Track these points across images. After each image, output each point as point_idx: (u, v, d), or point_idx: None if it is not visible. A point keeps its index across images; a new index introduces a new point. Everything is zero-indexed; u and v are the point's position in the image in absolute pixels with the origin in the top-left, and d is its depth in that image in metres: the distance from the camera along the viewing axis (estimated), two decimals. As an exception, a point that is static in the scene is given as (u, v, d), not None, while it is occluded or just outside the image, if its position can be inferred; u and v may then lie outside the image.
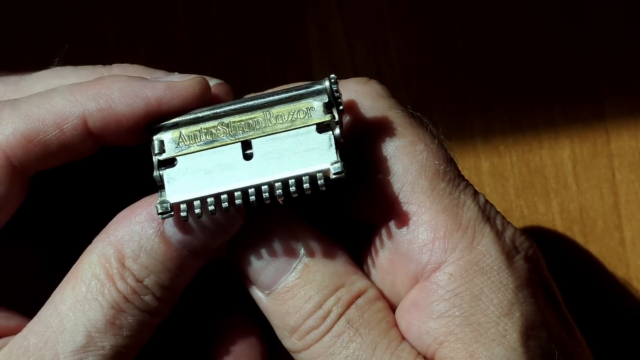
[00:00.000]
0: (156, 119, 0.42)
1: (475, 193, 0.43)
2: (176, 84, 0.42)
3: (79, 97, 0.42)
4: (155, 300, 0.42)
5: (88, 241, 0.43)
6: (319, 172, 0.40)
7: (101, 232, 0.42)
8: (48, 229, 0.47)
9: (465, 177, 0.44)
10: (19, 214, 0.44)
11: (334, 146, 0.41)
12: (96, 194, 0.47)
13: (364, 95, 0.43)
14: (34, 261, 0.46)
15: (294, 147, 0.41)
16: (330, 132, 0.41)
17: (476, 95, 0.57)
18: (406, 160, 0.42)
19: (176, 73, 0.44)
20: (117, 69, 0.46)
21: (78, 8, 0.59)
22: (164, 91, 0.42)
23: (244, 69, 0.58)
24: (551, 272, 0.44)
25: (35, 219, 0.46)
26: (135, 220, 0.42)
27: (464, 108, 0.57)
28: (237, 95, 0.45)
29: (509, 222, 0.43)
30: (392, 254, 0.42)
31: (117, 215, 0.42)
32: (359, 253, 0.44)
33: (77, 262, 0.42)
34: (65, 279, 0.42)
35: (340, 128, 0.41)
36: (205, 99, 0.42)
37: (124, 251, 0.41)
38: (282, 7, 0.58)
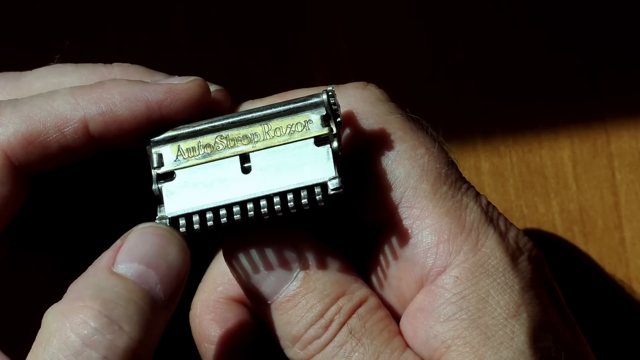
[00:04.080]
0: (155, 130, 0.42)
1: (477, 195, 0.43)
2: (177, 87, 0.42)
3: (80, 100, 0.42)
4: None
5: (90, 246, 0.42)
6: (317, 186, 0.40)
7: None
8: (48, 235, 0.47)
9: (466, 178, 0.44)
10: (19, 219, 0.44)
11: (332, 160, 0.41)
12: (96, 197, 0.47)
13: (363, 100, 0.43)
14: (35, 266, 0.46)
15: (292, 160, 0.41)
16: (328, 146, 0.41)
17: (476, 95, 0.57)
18: (407, 164, 0.42)
19: (176, 76, 0.44)
20: (117, 68, 0.46)
21: (78, 8, 0.59)
22: (164, 94, 0.42)
23: (244, 70, 0.58)
24: (552, 273, 0.44)
25: (35, 224, 0.46)
26: None
27: (464, 108, 0.57)
28: (238, 97, 0.45)
29: (511, 224, 0.43)
30: (397, 260, 0.42)
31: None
32: (364, 259, 0.44)
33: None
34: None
35: (338, 141, 0.41)
36: (206, 102, 0.42)
37: None
38: (283, 8, 0.58)
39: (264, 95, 0.45)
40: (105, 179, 0.47)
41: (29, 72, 0.46)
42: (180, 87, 0.42)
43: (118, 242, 0.40)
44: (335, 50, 0.58)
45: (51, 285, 0.44)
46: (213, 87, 0.44)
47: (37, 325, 0.41)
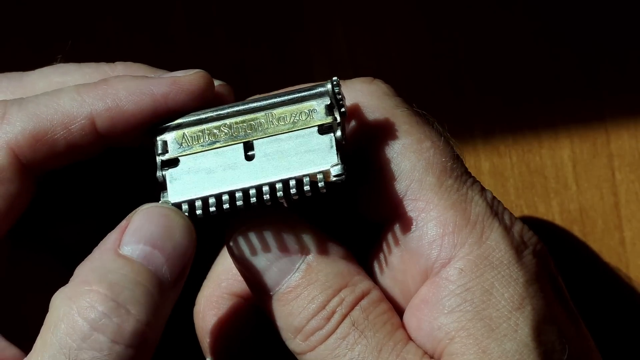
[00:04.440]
0: (160, 121, 0.42)
1: (483, 189, 0.43)
2: (181, 79, 0.42)
3: (86, 97, 0.42)
4: None
5: (93, 246, 0.42)
6: (319, 173, 0.41)
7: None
8: (52, 234, 0.47)
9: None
10: (24, 217, 0.44)
11: (334, 148, 0.41)
12: (100, 196, 0.47)
13: (369, 94, 0.44)
14: (37, 265, 0.46)
15: (295, 148, 0.41)
16: (332, 134, 0.41)
17: (476, 95, 0.57)
18: (413, 157, 0.42)
19: (179, 71, 0.44)
20: (120, 67, 0.46)
21: (78, 8, 0.59)
22: (169, 87, 0.42)
23: (244, 69, 0.58)
24: (556, 267, 0.44)
25: (39, 223, 0.46)
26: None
27: (464, 108, 0.57)
28: (237, 96, 0.45)
29: (516, 218, 0.43)
30: (401, 252, 0.42)
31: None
32: (368, 252, 0.44)
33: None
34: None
35: (342, 130, 0.41)
36: (209, 94, 0.43)
37: None
38: (283, 7, 0.58)
39: (263, 95, 0.45)
40: (109, 178, 0.47)
41: (32, 71, 0.47)
42: (184, 79, 0.42)
43: (123, 222, 0.40)
44: (334, 49, 0.58)
45: (54, 284, 0.44)
46: (216, 82, 0.44)
47: (39, 323, 0.41)
